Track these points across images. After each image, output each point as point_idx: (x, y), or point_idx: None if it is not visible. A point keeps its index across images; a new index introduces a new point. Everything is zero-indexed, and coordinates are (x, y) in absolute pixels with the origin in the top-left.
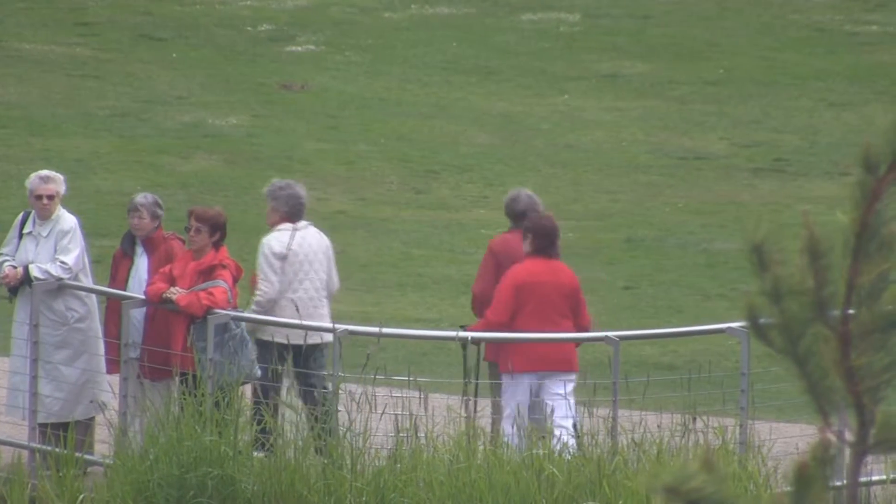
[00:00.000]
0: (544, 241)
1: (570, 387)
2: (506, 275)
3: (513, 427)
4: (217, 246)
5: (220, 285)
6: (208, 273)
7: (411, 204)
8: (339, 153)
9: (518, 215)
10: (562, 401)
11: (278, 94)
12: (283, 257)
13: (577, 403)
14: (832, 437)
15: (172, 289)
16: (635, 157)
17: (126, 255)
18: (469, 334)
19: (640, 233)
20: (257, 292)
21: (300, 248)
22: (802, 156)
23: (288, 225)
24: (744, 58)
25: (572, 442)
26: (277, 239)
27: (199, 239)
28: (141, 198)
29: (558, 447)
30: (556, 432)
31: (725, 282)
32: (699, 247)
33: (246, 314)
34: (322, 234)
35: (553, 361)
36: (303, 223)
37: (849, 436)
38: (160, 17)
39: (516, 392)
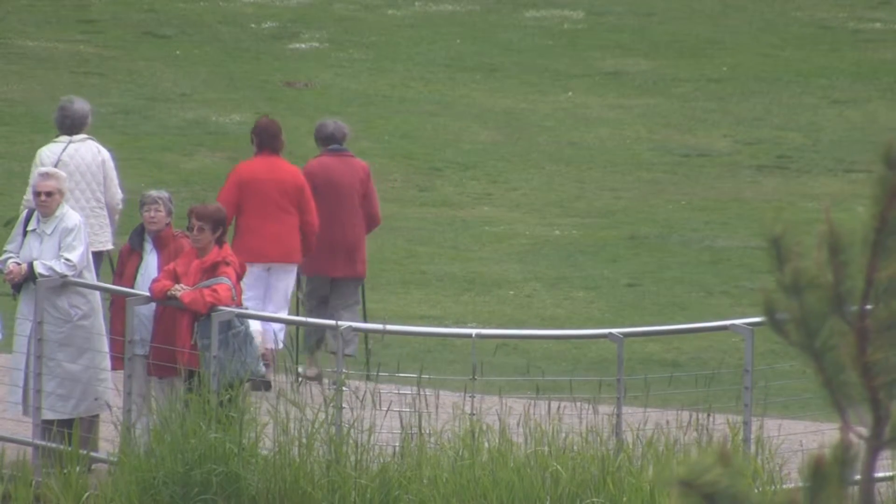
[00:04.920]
0: (264, 139)
1: (290, 275)
2: (231, 172)
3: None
4: (220, 242)
5: (224, 282)
6: (212, 270)
7: (415, 201)
8: None
9: (326, 138)
10: (280, 292)
11: (282, 92)
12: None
13: (580, 400)
14: (854, 437)
15: (176, 286)
16: (638, 154)
17: (134, 251)
18: (475, 331)
19: (643, 230)
20: (25, 197)
21: (71, 159)
22: (806, 153)
23: (65, 137)
24: (747, 55)
25: (282, 336)
26: (49, 149)
27: (203, 237)
28: (156, 192)
29: (271, 339)
30: (271, 326)
31: (729, 278)
32: (702, 244)
33: (249, 311)
34: (101, 148)
35: (275, 255)
36: (80, 136)
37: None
38: (164, 14)
39: (247, 285)
